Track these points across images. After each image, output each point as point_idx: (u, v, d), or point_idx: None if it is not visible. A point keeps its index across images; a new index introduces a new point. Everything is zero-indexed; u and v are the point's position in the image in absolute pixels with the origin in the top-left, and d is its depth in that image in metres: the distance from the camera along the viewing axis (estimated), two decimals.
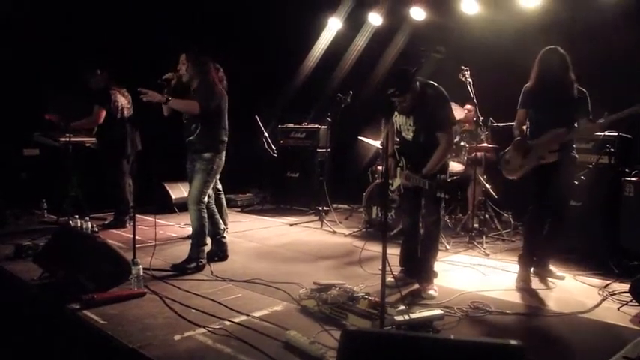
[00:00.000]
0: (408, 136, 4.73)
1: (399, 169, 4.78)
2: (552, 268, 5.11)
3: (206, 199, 5.38)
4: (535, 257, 5.00)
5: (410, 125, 4.67)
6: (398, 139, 4.89)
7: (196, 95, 5.26)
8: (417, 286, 4.74)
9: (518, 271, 4.98)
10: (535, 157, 4.84)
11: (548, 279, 4.99)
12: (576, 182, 5.45)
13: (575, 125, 4.77)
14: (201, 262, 5.27)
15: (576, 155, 5.00)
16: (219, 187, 6.38)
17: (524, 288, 4.80)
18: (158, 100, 5.20)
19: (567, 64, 4.76)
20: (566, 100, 4.76)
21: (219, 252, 5.61)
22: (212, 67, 5.41)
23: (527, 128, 5.05)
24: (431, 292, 4.57)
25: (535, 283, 4.90)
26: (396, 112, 4.73)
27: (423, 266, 4.74)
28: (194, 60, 5.31)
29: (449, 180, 4.55)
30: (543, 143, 4.80)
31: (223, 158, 5.44)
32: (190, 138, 5.35)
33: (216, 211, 5.65)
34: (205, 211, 5.36)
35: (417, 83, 4.52)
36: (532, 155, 4.87)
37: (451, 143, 4.76)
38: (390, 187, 4.85)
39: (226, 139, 5.44)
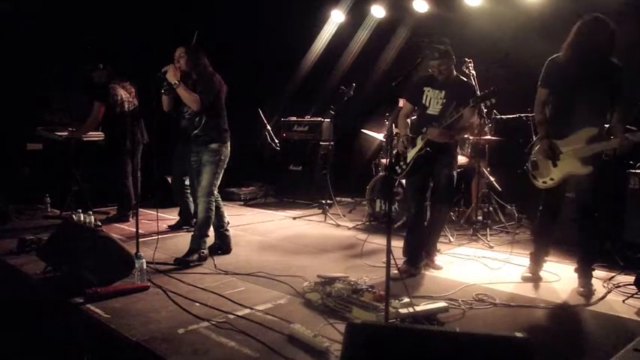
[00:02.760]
0: (436, 110, 4.92)
1: (419, 138, 4.95)
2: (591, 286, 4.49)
3: (216, 192, 5.39)
4: (546, 254, 4.88)
5: (440, 98, 4.90)
6: (419, 120, 5.08)
7: (197, 88, 5.26)
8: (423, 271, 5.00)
9: (528, 264, 4.90)
10: (564, 165, 4.37)
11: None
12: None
13: (609, 123, 4.25)
14: (203, 252, 5.29)
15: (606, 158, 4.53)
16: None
17: (530, 279, 4.77)
18: (171, 79, 5.16)
19: (609, 36, 4.09)
20: (598, 80, 4.16)
21: (223, 245, 5.61)
22: (206, 59, 5.40)
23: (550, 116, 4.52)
24: (438, 263, 5.13)
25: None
26: (428, 88, 4.97)
27: (432, 243, 5.17)
28: (192, 53, 5.31)
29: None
30: (574, 149, 4.29)
31: (229, 148, 5.45)
32: (195, 131, 5.37)
33: (221, 203, 5.65)
34: (214, 203, 5.38)
35: (454, 57, 4.90)
36: (563, 165, 4.38)
37: (473, 121, 5.13)
38: (403, 163, 5.06)
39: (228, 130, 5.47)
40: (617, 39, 4.12)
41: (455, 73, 4.97)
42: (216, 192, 5.39)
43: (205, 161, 5.32)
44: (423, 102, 4.99)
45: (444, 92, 4.89)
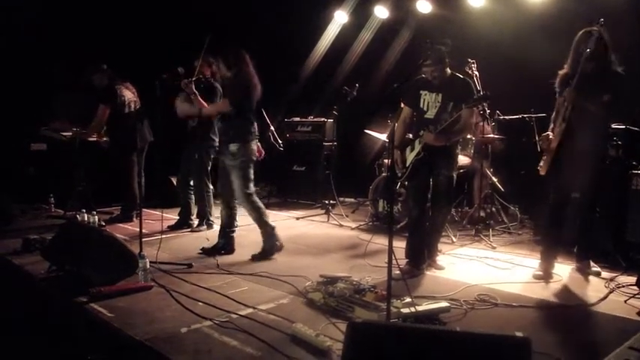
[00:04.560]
0: (432, 113, 4.93)
1: (416, 142, 4.98)
2: (593, 265, 4.99)
3: (252, 188, 5.44)
4: (556, 252, 4.98)
5: (438, 101, 4.90)
6: (417, 123, 5.07)
7: (229, 86, 5.40)
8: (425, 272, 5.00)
9: (539, 262, 4.98)
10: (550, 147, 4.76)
11: (554, 272, 4.96)
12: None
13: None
14: (276, 244, 5.51)
15: (597, 143, 4.68)
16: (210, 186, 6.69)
17: (541, 277, 4.81)
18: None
19: (600, 44, 4.45)
20: (595, 82, 4.47)
21: (227, 245, 5.64)
22: (247, 58, 5.43)
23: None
24: (440, 263, 5.16)
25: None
26: (425, 92, 4.98)
27: (433, 244, 5.19)
28: (230, 53, 5.38)
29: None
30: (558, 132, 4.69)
31: (254, 147, 5.45)
32: (219, 124, 5.49)
33: (237, 206, 5.70)
34: (256, 199, 5.47)
35: (447, 61, 4.87)
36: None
37: (471, 123, 5.09)
38: (402, 168, 5.07)
39: (254, 129, 5.47)
40: (607, 41, 4.52)
41: (449, 72, 4.94)
42: (252, 188, 5.45)
43: (229, 166, 5.38)
44: (421, 106, 5.00)
45: (440, 95, 4.89)
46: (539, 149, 4.97)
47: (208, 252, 5.54)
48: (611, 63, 4.53)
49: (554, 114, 4.87)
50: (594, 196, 4.86)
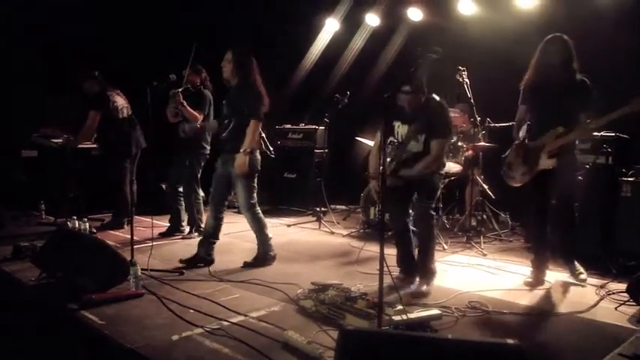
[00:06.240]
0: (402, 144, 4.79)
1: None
2: (579, 268, 4.99)
3: (256, 198, 5.43)
4: (546, 260, 4.99)
5: (410, 133, 4.69)
6: (391, 151, 4.86)
7: (237, 94, 5.37)
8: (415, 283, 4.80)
9: (531, 270, 4.99)
10: (534, 162, 4.74)
11: (546, 279, 4.97)
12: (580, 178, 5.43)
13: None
14: (269, 255, 5.45)
15: (577, 157, 4.85)
16: (201, 193, 6.72)
17: (532, 284, 4.84)
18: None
19: (568, 53, 4.59)
20: (565, 93, 4.58)
21: (207, 256, 5.49)
22: (255, 67, 5.43)
23: (527, 127, 4.95)
24: (424, 288, 4.61)
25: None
26: (398, 123, 4.78)
27: (423, 263, 4.80)
28: (238, 59, 5.34)
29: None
30: (542, 146, 4.68)
31: (259, 156, 5.43)
32: (223, 135, 5.39)
33: (223, 215, 5.63)
34: (258, 209, 5.45)
35: (425, 88, 4.64)
36: (531, 160, 4.76)
37: (441, 155, 4.66)
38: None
39: (260, 139, 5.51)
40: (573, 50, 4.62)
41: (424, 99, 4.66)
42: (256, 198, 5.45)
43: (234, 174, 5.28)
44: (396, 137, 4.82)
45: (412, 127, 4.66)
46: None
47: (188, 263, 5.35)
48: (574, 72, 4.62)
49: (516, 122, 5.00)
50: (572, 201, 4.92)
